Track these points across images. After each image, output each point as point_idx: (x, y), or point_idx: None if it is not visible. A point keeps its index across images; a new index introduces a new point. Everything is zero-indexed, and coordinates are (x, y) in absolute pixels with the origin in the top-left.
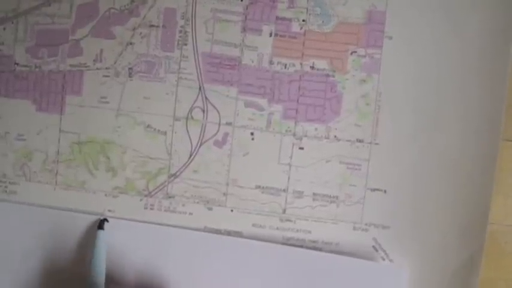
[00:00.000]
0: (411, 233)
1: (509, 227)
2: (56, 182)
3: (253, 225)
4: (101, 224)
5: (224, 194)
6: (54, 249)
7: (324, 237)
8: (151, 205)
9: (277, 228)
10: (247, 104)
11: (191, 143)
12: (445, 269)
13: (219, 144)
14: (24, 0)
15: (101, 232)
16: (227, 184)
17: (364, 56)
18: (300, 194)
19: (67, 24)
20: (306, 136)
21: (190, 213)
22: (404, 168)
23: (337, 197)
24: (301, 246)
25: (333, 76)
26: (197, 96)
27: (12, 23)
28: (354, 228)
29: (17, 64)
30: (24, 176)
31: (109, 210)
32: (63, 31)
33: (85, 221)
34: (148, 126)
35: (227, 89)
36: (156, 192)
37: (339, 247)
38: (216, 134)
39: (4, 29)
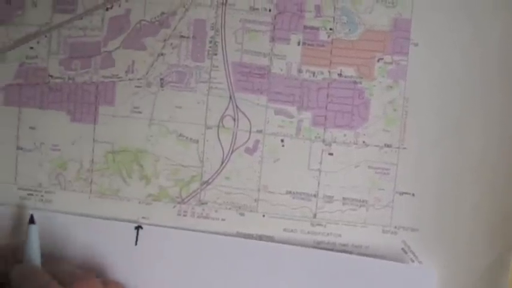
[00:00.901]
0: (440, 235)
1: None
2: (91, 191)
3: (285, 229)
4: (31, 219)
5: (255, 199)
6: (90, 257)
7: (354, 240)
8: (185, 212)
9: (308, 233)
10: (277, 112)
11: (223, 150)
12: (474, 270)
13: (250, 151)
14: (56, 14)
15: (32, 226)
16: (258, 190)
17: (391, 63)
18: (330, 199)
19: (99, 37)
20: (335, 142)
21: (223, 219)
22: (431, 172)
23: (366, 201)
24: (332, 250)
25: (361, 83)
26: (228, 105)
27: (46, 36)
28: (383, 231)
29: (51, 76)
30: (60, 185)
31: (143, 218)
32: (95, 43)
33: (120, 229)
34: (180, 134)
35: (257, 98)
36: (189, 199)
37: (368, 250)
38: (247, 141)
39: (38, 42)
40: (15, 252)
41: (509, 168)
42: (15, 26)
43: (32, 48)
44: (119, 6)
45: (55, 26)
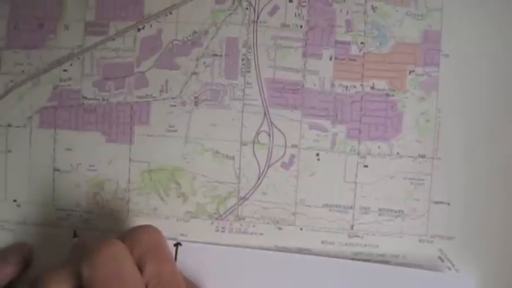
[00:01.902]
0: (476, 243)
1: None
2: (128, 210)
3: (322, 242)
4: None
5: (293, 213)
6: None
7: (391, 250)
8: (223, 227)
9: (346, 244)
10: (312, 126)
11: (259, 166)
12: None
13: (286, 166)
14: (88, 36)
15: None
16: (295, 204)
17: (422, 75)
18: (366, 210)
19: (132, 57)
20: (369, 154)
21: (261, 234)
22: (466, 181)
23: (402, 211)
24: (370, 261)
25: (393, 95)
26: (262, 121)
27: (78, 58)
28: (420, 241)
29: (85, 98)
30: (97, 205)
31: (181, 234)
32: (128, 64)
33: None
34: (216, 152)
35: (291, 113)
36: (226, 215)
37: (406, 259)
38: (282, 156)
39: (71, 64)
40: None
41: None
42: (48, 49)
43: (65, 70)
44: (151, 26)
45: (88, 48)
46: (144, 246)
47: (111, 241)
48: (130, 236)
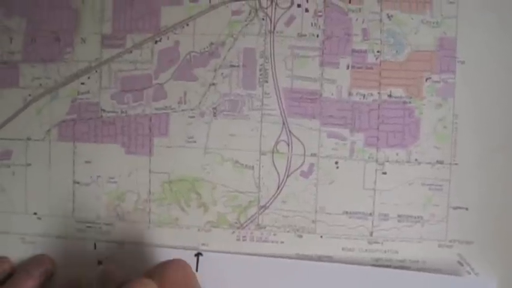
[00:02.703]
0: (495, 247)
1: None
2: (150, 221)
3: (343, 249)
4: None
5: (313, 221)
6: None
7: (410, 256)
8: (244, 236)
9: (366, 251)
10: (330, 135)
11: (278, 175)
12: None
13: (305, 174)
14: (105, 49)
15: None
16: (315, 212)
17: (439, 82)
18: (385, 217)
19: (150, 70)
20: (388, 161)
21: (282, 242)
22: (484, 186)
23: (421, 217)
24: (390, 266)
25: (410, 102)
26: (281, 131)
27: (96, 71)
28: (439, 246)
29: (104, 110)
30: (118, 216)
31: (203, 244)
32: (146, 76)
33: (180, 256)
34: (236, 162)
35: (310, 122)
36: (247, 224)
37: (425, 265)
38: (301, 165)
39: (88, 77)
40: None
41: None
42: (65, 62)
43: (83, 83)
44: (168, 38)
45: (105, 61)
46: (175, 284)
47: (141, 281)
48: (159, 273)
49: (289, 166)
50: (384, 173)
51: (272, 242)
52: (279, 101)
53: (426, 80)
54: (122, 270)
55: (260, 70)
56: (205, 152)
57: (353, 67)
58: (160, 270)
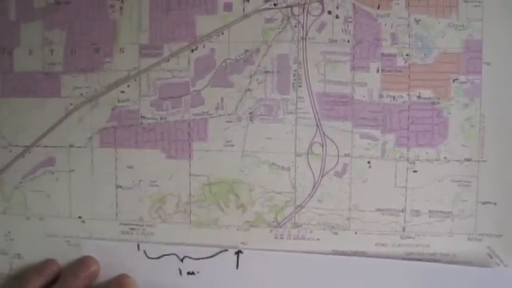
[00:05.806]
0: None
1: None
2: (190, 222)
3: (376, 244)
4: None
5: (347, 218)
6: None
7: (441, 249)
8: (281, 235)
9: (399, 245)
10: (362, 136)
11: (313, 175)
12: None
13: (339, 174)
14: (143, 58)
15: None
16: (349, 209)
17: (466, 82)
18: (417, 213)
19: (187, 77)
20: (418, 160)
21: (318, 239)
22: (511, 181)
23: (451, 212)
24: (421, 260)
25: (438, 103)
26: (315, 133)
27: (135, 80)
28: (469, 239)
29: (144, 117)
30: (160, 218)
31: (242, 243)
32: (183, 83)
33: (221, 255)
34: (272, 164)
35: (343, 124)
36: (284, 223)
37: (456, 257)
38: (335, 165)
39: (128, 86)
40: None
41: None
42: (105, 72)
43: (123, 92)
44: (203, 47)
45: (144, 70)
46: None
47: None
48: None
49: (324, 166)
50: (415, 171)
51: (308, 239)
52: (313, 105)
53: (453, 81)
54: None
55: (294, 75)
56: (243, 155)
57: (383, 70)
58: None
